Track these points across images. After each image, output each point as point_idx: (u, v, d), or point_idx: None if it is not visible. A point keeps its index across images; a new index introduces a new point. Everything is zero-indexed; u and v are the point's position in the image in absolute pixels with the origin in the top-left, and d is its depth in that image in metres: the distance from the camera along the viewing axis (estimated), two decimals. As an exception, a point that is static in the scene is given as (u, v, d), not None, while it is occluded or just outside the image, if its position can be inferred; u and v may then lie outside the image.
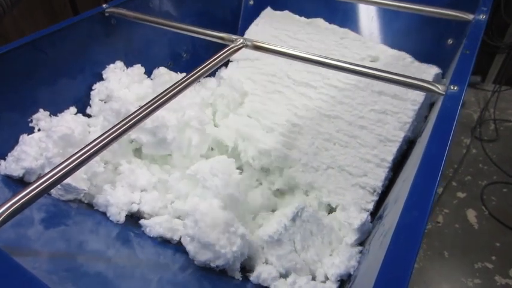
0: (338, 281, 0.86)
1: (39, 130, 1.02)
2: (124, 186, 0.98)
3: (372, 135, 1.04)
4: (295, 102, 1.15)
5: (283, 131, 1.11)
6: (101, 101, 1.14)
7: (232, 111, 1.22)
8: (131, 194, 0.97)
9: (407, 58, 1.15)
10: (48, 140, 0.92)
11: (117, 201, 0.93)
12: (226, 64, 1.43)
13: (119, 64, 1.21)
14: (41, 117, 1.02)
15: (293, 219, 0.90)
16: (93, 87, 1.15)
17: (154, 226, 0.92)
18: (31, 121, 1.01)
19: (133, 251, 0.87)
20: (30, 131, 1.01)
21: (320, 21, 1.37)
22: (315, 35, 1.26)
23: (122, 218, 0.93)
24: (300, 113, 1.12)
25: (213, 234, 0.82)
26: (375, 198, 0.99)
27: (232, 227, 0.85)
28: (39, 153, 0.93)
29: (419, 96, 1.06)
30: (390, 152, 1.01)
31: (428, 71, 1.10)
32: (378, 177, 1.00)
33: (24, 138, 0.97)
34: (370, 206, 0.98)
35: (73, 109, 1.09)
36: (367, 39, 1.31)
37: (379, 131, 1.04)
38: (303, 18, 1.39)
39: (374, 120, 1.06)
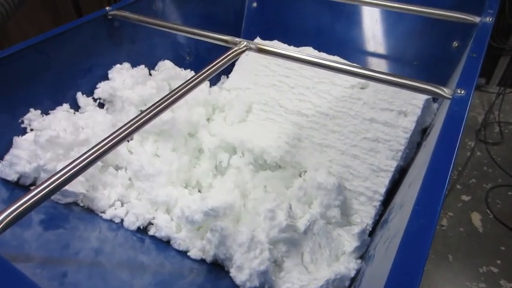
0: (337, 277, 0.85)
1: (31, 130, 1.00)
2: (144, 200, 0.99)
3: (364, 165, 1.03)
4: (287, 130, 1.14)
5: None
6: (88, 97, 1.14)
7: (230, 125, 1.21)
8: (151, 209, 0.99)
9: None
10: (36, 146, 0.92)
11: (137, 211, 0.96)
12: (227, 72, 1.42)
13: (126, 65, 1.21)
14: (33, 118, 0.99)
15: (305, 232, 0.89)
16: (97, 86, 1.15)
17: (184, 239, 0.93)
18: (22, 122, 0.99)
19: (136, 256, 0.86)
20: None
21: (309, 50, 1.37)
22: None
23: (135, 227, 0.95)
24: (292, 142, 1.11)
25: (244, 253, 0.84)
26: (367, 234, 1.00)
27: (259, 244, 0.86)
28: (32, 156, 0.92)
29: (410, 123, 1.05)
30: (382, 184, 1.00)
31: (419, 97, 1.10)
32: (368, 215, 1.01)
33: (16, 140, 0.95)
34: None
35: (66, 106, 1.08)
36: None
37: (371, 160, 1.03)
38: (292, 47, 1.39)
39: (366, 149, 1.05)
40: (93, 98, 1.14)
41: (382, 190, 1.00)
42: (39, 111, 1.01)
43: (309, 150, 1.08)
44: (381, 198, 0.99)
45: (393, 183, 1.05)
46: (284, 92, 1.23)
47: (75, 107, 1.11)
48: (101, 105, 1.16)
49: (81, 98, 1.11)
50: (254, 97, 1.25)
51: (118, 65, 1.20)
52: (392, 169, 1.01)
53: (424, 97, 1.09)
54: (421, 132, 1.14)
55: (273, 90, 1.25)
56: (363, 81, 1.16)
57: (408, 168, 1.05)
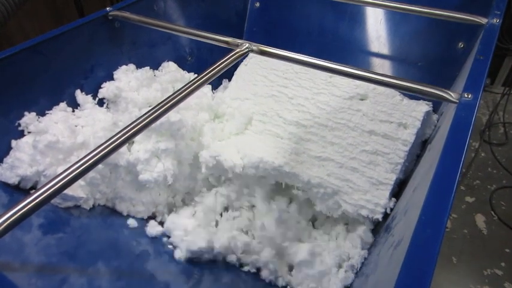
0: None
1: (29, 133, 0.98)
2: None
3: (363, 178, 1.02)
4: (285, 145, 1.12)
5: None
6: (88, 95, 1.13)
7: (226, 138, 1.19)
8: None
9: (397, 96, 1.12)
10: (35, 151, 0.91)
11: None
12: (229, 75, 1.40)
13: (131, 67, 1.21)
14: (28, 121, 0.98)
15: None
16: (102, 86, 1.14)
17: None
18: (19, 125, 0.97)
19: (138, 263, 0.85)
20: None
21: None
22: (303, 73, 1.25)
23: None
24: (289, 157, 1.09)
25: None
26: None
27: None
28: (33, 159, 0.91)
29: (410, 136, 1.04)
30: (383, 196, 0.99)
31: (419, 109, 1.08)
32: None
33: (17, 144, 0.94)
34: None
35: (63, 105, 1.06)
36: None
37: (370, 173, 1.02)
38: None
39: (365, 161, 1.03)
40: (92, 95, 1.13)
41: (383, 202, 0.98)
42: (34, 114, 0.99)
43: (307, 164, 1.06)
44: (383, 210, 0.98)
45: (393, 196, 1.04)
46: (283, 103, 1.21)
47: (73, 105, 1.09)
48: (100, 104, 1.15)
49: (80, 96, 1.10)
50: (253, 108, 1.23)
51: (124, 66, 1.19)
52: (392, 182, 1.00)
53: (423, 109, 1.08)
54: (421, 144, 1.12)
55: (271, 101, 1.23)
56: (362, 92, 1.15)
57: (408, 179, 1.04)
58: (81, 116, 1.06)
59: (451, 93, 0.75)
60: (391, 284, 0.47)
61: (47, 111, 1.02)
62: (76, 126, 1.03)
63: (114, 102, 1.15)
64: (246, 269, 0.99)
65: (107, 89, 1.14)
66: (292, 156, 1.08)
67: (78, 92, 1.10)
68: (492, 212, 1.79)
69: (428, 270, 0.45)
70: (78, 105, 1.10)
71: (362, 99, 1.14)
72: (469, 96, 0.73)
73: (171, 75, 1.23)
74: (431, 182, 0.56)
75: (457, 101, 0.73)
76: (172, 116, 1.00)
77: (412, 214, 0.64)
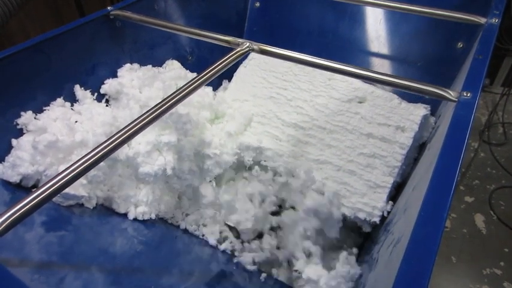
0: None
1: (28, 131, 0.98)
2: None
3: (361, 181, 1.02)
4: (283, 147, 1.12)
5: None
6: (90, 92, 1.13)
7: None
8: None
9: (395, 99, 1.12)
10: (35, 152, 0.91)
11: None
12: (229, 75, 1.40)
13: (135, 66, 1.21)
14: (26, 121, 0.97)
15: None
16: (105, 82, 1.15)
17: None
18: (17, 124, 0.97)
19: (139, 261, 0.85)
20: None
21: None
22: (302, 76, 1.25)
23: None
24: (287, 160, 1.10)
25: None
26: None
27: None
28: (34, 158, 0.91)
29: (407, 140, 1.05)
30: (381, 199, 0.99)
31: (416, 112, 1.09)
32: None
33: (18, 142, 0.94)
34: None
35: (60, 100, 1.05)
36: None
37: (368, 176, 1.02)
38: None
39: (363, 164, 1.04)
40: (90, 91, 1.13)
41: (381, 205, 0.99)
42: (30, 112, 0.98)
43: (304, 169, 1.06)
44: (380, 213, 0.99)
45: (390, 199, 1.04)
46: (282, 105, 1.21)
47: (73, 101, 1.09)
48: (99, 100, 1.15)
49: (79, 91, 1.10)
50: (252, 109, 1.24)
51: (128, 65, 1.20)
52: (389, 185, 1.00)
53: (421, 113, 1.08)
54: (418, 147, 1.12)
55: (270, 103, 1.23)
56: (360, 95, 1.15)
57: (406, 182, 1.04)
58: (80, 111, 1.06)
59: (450, 91, 0.75)
60: (391, 281, 0.47)
61: (44, 108, 1.01)
62: (76, 122, 1.02)
63: (116, 98, 1.16)
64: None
65: (109, 85, 1.14)
66: (290, 159, 1.08)
67: (77, 88, 1.10)
68: (491, 212, 1.79)
69: (427, 266, 0.46)
70: (77, 100, 1.10)
71: (360, 102, 1.15)
72: (468, 95, 0.73)
73: (175, 72, 1.23)
74: (430, 179, 0.56)
75: (456, 100, 0.73)
76: (181, 108, 1.00)
77: (412, 212, 0.64)
